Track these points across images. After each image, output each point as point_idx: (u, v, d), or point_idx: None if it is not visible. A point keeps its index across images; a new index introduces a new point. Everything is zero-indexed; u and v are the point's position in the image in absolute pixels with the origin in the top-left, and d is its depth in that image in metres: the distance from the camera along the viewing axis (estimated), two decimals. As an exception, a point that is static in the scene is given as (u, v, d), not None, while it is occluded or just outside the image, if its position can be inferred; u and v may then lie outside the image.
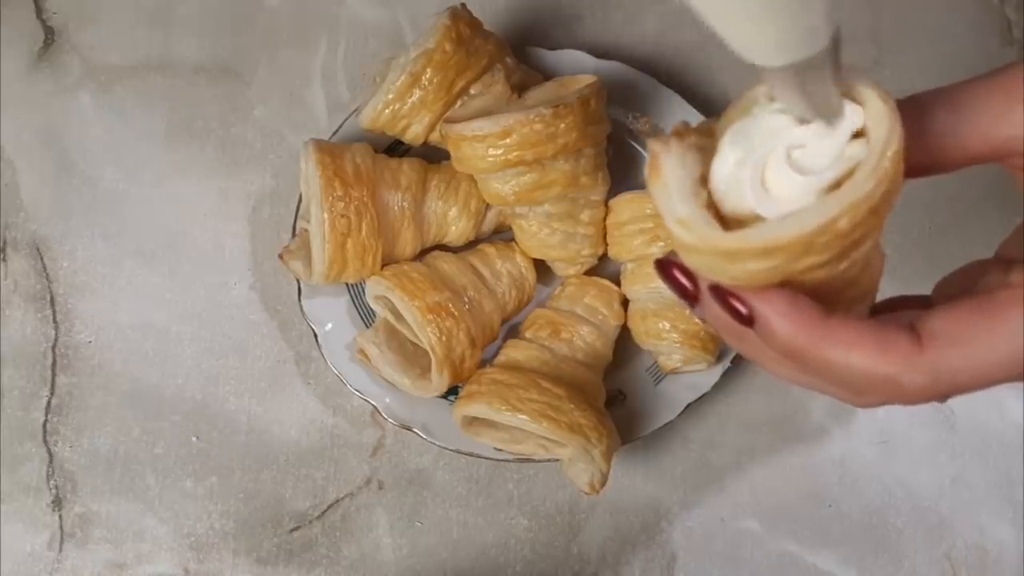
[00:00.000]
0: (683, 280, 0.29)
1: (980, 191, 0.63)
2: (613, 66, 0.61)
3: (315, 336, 0.57)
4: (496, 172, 0.53)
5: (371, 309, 0.57)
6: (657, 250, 0.55)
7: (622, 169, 0.59)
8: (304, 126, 0.63)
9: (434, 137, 0.57)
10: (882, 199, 0.26)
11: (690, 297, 0.29)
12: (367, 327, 0.57)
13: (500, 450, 0.55)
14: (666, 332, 0.55)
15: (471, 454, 0.56)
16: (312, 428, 0.59)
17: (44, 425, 0.58)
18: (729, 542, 0.58)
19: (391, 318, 0.56)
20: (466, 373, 0.55)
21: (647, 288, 0.56)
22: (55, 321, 0.60)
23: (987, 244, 0.34)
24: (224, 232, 0.62)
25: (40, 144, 0.63)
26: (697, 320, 0.55)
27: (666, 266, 0.29)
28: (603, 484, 0.52)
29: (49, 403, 0.59)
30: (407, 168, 0.56)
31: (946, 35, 0.66)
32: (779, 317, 0.27)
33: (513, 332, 0.58)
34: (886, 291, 0.34)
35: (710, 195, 0.27)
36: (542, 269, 0.59)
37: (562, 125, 0.51)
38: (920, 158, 0.28)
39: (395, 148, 0.59)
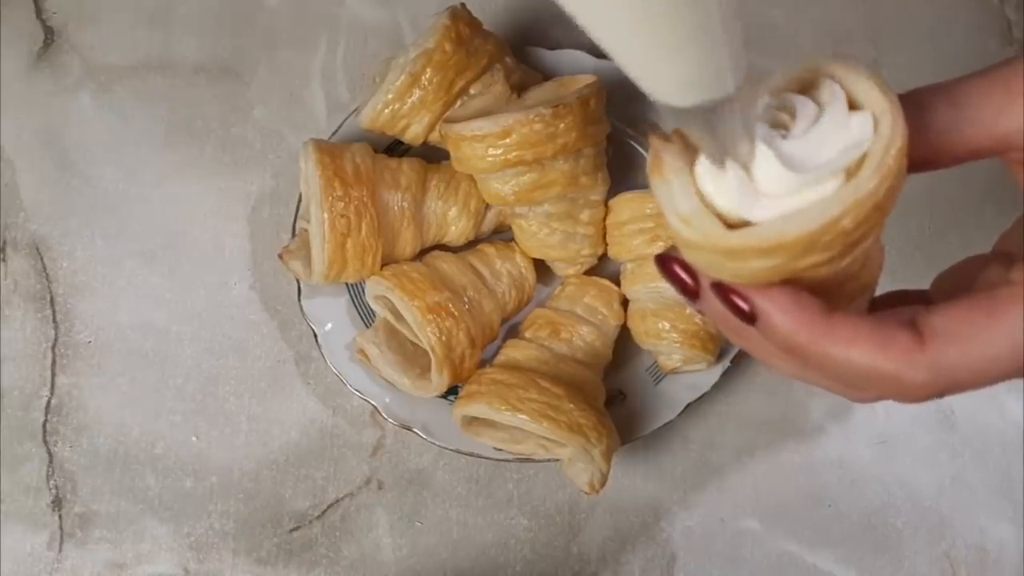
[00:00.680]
0: (683, 276, 0.29)
1: (980, 192, 0.63)
2: (613, 66, 0.60)
3: (315, 336, 0.57)
4: (496, 172, 0.53)
5: (371, 309, 0.57)
6: (657, 250, 0.55)
7: (622, 169, 0.58)
8: (304, 126, 0.63)
9: (434, 137, 0.57)
10: (886, 196, 0.26)
11: (690, 293, 0.29)
12: (367, 327, 0.57)
13: (500, 450, 0.55)
14: (666, 332, 0.55)
15: (471, 454, 0.56)
16: (312, 428, 0.59)
17: (44, 425, 0.58)
18: (729, 542, 0.58)
19: (391, 318, 0.56)
20: (466, 373, 0.55)
21: (647, 288, 0.56)
22: (55, 321, 0.60)
23: (987, 245, 0.34)
24: (224, 232, 0.62)
25: (40, 144, 0.63)
26: (697, 320, 0.55)
27: (666, 262, 0.29)
28: (603, 484, 0.52)
29: (49, 403, 0.59)
30: (407, 168, 0.56)
31: (945, 35, 0.66)
32: (781, 314, 0.27)
33: (513, 332, 0.58)
34: (886, 290, 0.34)
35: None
36: (542, 269, 0.59)
37: (562, 125, 0.51)
38: (920, 153, 0.28)
39: (395, 148, 0.59)
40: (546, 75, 0.59)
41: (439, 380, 0.54)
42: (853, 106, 0.27)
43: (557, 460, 0.54)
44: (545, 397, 0.52)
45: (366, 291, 0.56)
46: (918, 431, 0.60)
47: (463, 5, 0.56)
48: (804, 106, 0.27)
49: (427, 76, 0.54)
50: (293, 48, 0.65)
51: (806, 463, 0.60)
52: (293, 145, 0.63)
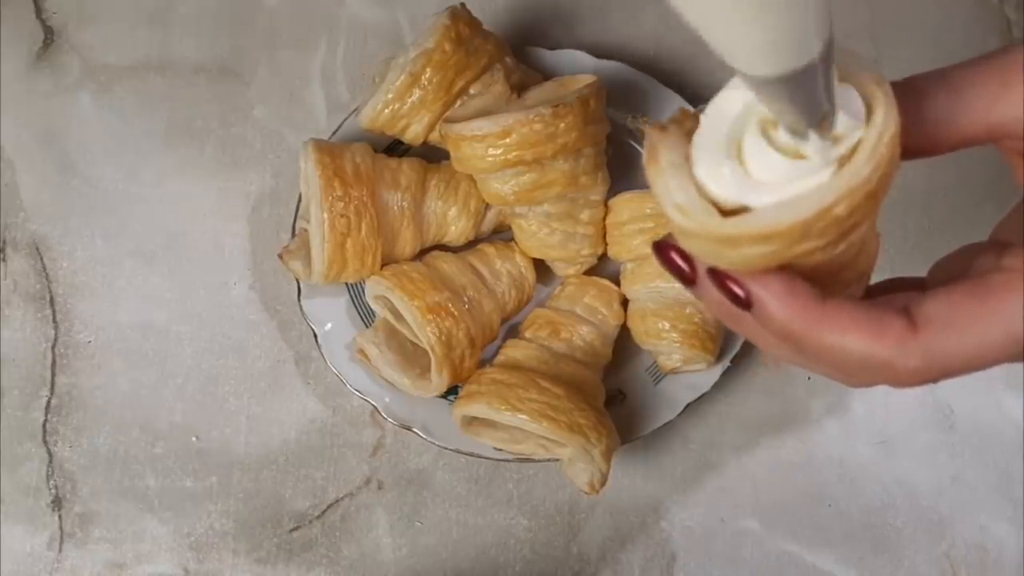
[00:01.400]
0: (680, 263, 0.29)
1: (979, 189, 0.63)
2: (613, 66, 0.61)
3: (315, 336, 0.57)
4: (496, 172, 0.53)
5: (371, 309, 0.57)
6: (657, 249, 0.55)
7: (622, 169, 0.59)
8: (304, 126, 0.63)
9: (434, 137, 0.57)
10: (879, 183, 0.26)
11: (687, 280, 0.30)
12: (367, 327, 0.57)
13: (500, 450, 0.55)
14: (666, 332, 0.55)
15: (471, 454, 0.56)
16: (312, 428, 0.59)
17: (44, 425, 0.58)
18: (729, 542, 0.58)
19: (391, 318, 0.56)
20: (466, 373, 0.55)
21: (647, 288, 0.56)
22: (55, 321, 0.60)
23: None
24: (224, 232, 0.62)
25: (40, 144, 0.63)
26: (697, 320, 0.55)
27: (664, 249, 0.30)
28: (603, 484, 0.52)
29: (49, 403, 0.59)
30: (407, 168, 0.56)
31: (945, 34, 0.66)
32: (776, 301, 0.28)
33: (513, 332, 0.58)
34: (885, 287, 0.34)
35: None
36: (542, 269, 0.59)
37: (562, 125, 0.51)
38: (916, 140, 0.28)
39: (395, 148, 0.59)
40: (546, 75, 0.59)
41: (439, 380, 0.54)
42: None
43: (557, 460, 0.54)
44: (545, 397, 0.52)
45: (366, 291, 0.56)
46: (918, 431, 0.60)
47: (463, 5, 0.56)
48: None
49: (427, 76, 0.54)
50: (293, 48, 0.65)
51: (806, 463, 0.60)
52: (293, 145, 0.63)
